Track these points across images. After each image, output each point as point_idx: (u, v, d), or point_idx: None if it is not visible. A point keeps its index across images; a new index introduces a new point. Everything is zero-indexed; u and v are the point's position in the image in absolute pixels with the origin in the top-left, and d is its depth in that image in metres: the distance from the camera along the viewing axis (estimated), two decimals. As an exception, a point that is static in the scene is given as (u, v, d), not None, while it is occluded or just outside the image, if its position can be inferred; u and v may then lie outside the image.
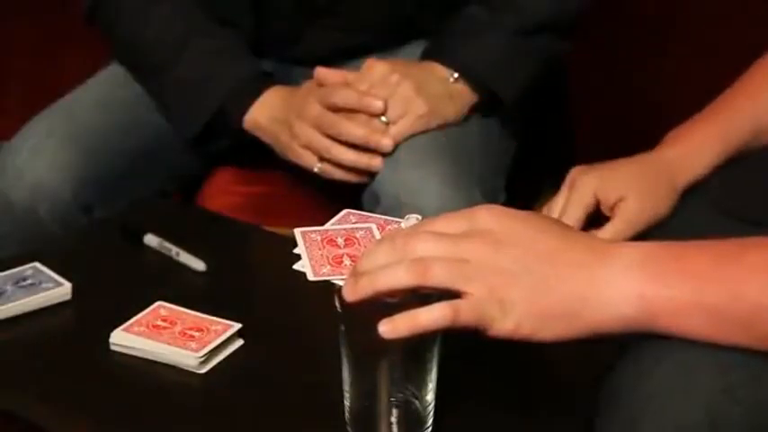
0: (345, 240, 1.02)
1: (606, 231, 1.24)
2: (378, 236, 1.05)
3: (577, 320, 0.90)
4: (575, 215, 1.26)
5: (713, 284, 0.88)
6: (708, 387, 0.85)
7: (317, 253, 1.01)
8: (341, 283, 0.98)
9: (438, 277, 0.91)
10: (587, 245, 0.93)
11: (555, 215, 1.26)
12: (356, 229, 1.05)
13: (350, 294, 0.93)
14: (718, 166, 1.24)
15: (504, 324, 0.90)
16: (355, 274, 0.94)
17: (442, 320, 0.91)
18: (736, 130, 1.25)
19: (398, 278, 0.92)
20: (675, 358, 0.87)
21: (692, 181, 1.25)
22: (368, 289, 0.93)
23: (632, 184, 1.26)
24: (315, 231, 1.04)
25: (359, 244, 1.02)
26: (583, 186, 1.28)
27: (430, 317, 0.91)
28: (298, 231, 1.03)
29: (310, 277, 0.99)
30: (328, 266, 0.99)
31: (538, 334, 0.91)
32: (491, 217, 0.94)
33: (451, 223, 0.94)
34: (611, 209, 1.26)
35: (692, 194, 1.23)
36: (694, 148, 1.26)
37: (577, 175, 1.30)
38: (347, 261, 1.00)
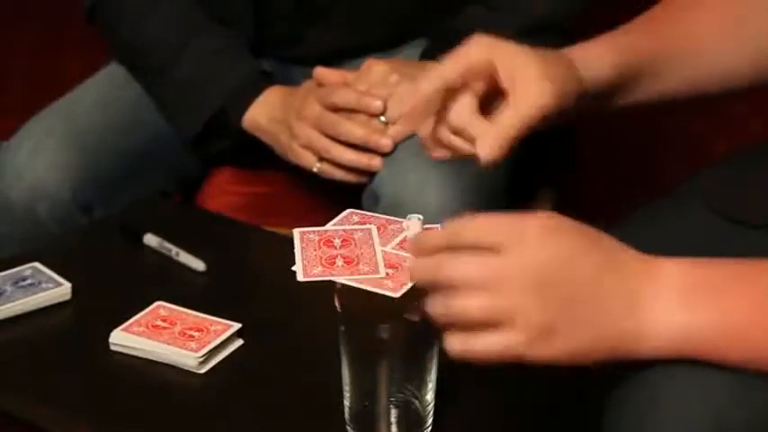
0: (342, 241, 1.02)
1: (510, 111, 1.04)
2: (377, 237, 1.05)
3: (615, 353, 0.89)
4: (453, 68, 1.06)
5: (757, 326, 0.86)
6: (717, 393, 0.84)
7: (311, 254, 1.01)
8: (343, 281, 0.98)
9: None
10: (629, 274, 0.89)
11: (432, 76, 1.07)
12: (355, 230, 1.04)
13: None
14: (618, 77, 1.11)
15: (542, 353, 0.89)
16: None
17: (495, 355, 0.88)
18: (635, 46, 1.13)
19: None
20: (683, 364, 0.86)
21: (591, 81, 1.09)
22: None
23: (534, 59, 1.05)
24: (313, 232, 1.03)
25: (355, 245, 1.02)
26: (476, 45, 1.07)
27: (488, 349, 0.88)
28: (296, 231, 1.03)
29: (300, 278, 0.99)
30: (320, 267, 0.99)
31: (575, 362, 0.90)
32: (538, 241, 0.89)
33: (498, 231, 0.89)
34: (510, 80, 1.05)
35: (690, 198, 1.22)
36: (590, 53, 1.10)
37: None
38: (339, 262, 1.00)
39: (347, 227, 1.05)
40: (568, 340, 0.88)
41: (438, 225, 1.04)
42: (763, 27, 1.15)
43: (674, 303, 0.87)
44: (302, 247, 1.01)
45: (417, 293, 0.94)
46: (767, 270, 0.88)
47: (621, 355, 0.89)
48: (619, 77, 1.12)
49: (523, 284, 0.87)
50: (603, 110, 1.16)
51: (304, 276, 0.99)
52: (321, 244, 1.02)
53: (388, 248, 1.03)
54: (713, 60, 1.16)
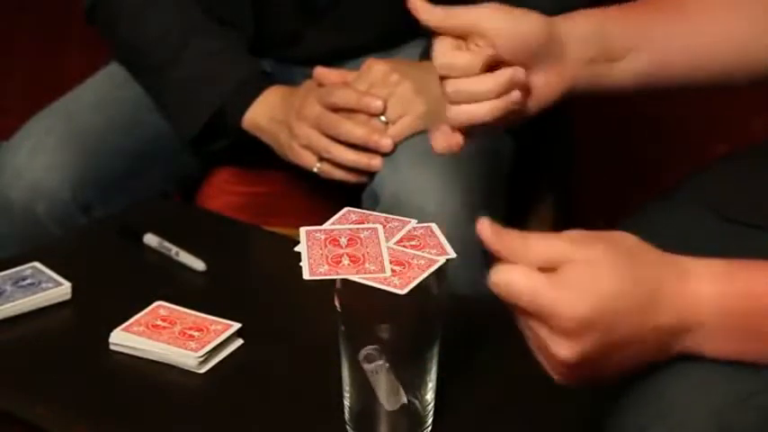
0: (348, 240, 1.02)
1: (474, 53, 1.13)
2: (383, 237, 1.05)
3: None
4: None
5: None
6: (720, 396, 0.84)
7: (317, 252, 1.01)
8: (344, 276, 0.98)
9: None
10: (669, 306, 0.87)
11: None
12: (361, 229, 1.05)
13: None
14: (605, 35, 1.13)
15: (570, 381, 0.88)
16: None
17: None
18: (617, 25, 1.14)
19: None
20: (687, 366, 0.86)
21: (567, 33, 1.13)
22: None
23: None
24: (320, 231, 1.03)
25: (361, 244, 1.02)
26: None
27: None
28: (303, 230, 1.03)
29: (306, 276, 0.99)
30: (326, 266, 0.99)
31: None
32: (580, 277, 0.86)
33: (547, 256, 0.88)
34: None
35: (689, 198, 1.22)
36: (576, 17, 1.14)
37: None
38: (345, 261, 1.00)
39: (354, 226, 1.05)
40: (599, 374, 0.88)
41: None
42: (752, 11, 1.16)
43: (715, 333, 0.86)
44: (308, 246, 1.01)
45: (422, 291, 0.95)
46: None
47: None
48: (606, 37, 1.13)
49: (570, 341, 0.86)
50: (609, 81, 1.18)
51: (310, 275, 0.99)
52: (327, 243, 1.02)
53: (391, 244, 1.03)
54: (708, 31, 1.16)
